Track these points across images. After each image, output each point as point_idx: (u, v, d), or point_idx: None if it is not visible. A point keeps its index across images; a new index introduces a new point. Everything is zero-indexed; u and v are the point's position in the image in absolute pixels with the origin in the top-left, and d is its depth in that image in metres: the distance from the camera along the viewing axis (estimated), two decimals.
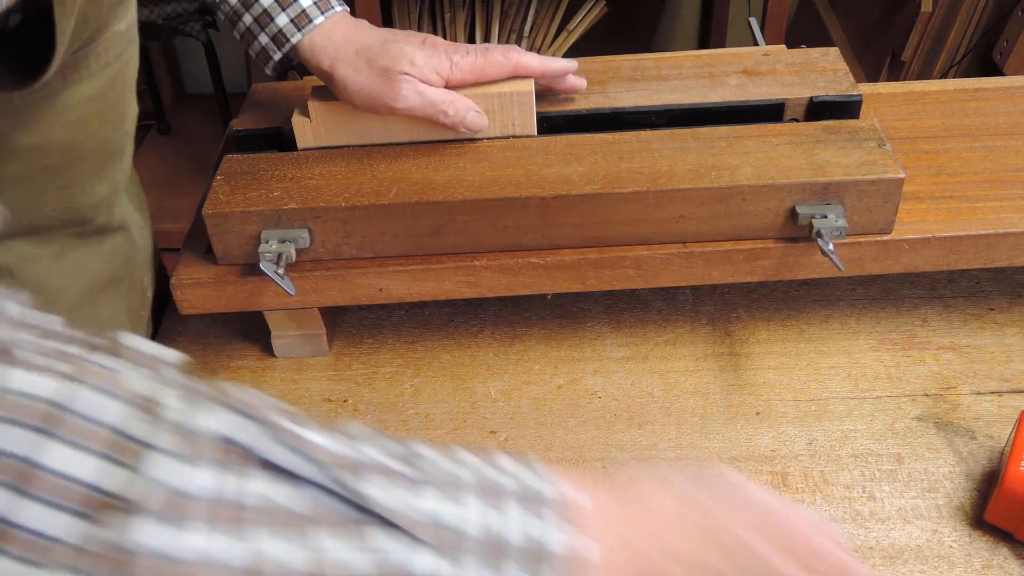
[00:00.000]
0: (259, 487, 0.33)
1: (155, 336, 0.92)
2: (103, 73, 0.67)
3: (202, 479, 0.32)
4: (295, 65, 0.83)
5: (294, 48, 0.79)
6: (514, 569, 0.37)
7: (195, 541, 0.32)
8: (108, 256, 0.77)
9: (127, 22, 0.69)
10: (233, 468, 0.33)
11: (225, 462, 0.33)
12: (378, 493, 0.35)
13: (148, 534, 0.31)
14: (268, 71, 0.81)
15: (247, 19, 0.80)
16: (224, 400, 0.34)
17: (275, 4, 0.78)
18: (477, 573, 0.36)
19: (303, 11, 0.77)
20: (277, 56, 0.79)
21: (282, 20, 0.78)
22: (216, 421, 0.33)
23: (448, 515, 0.36)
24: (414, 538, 0.35)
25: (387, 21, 1.99)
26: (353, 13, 0.81)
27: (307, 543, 0.33)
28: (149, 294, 0.83)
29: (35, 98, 0.61)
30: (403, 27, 1.98)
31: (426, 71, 0.76)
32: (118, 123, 0.71)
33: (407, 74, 0.75)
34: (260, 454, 0.33)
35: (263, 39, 0.78)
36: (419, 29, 1.99)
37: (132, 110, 0.74)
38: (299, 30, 0.78)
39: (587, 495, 0.41)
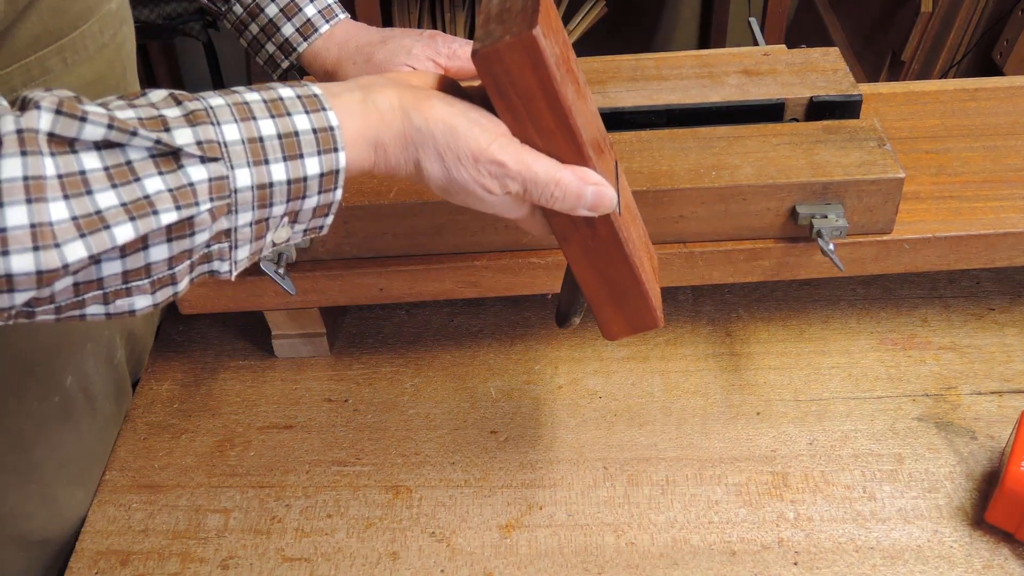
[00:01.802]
0: (92, 160, 0.44)
1: (156, 336, 0.92)
2: (101, 54, 0.68)
3: (48, 166, 0.43)
4: (297, 68, 0.83)
5: (300, 56, 0.79)
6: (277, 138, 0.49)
7: (59, 208, 0.43)
8: None
9: (117, 1, 0.69)
10: (63, 152, 0.44)
11: (57, 152, 0.44)
12: (164, 135, 0.46)
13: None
14: (275, 78, 0.81)
15: (254, 28, 0.80)
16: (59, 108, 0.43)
17: (281, 14, 0.78)
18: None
19: (308, 20, 0.77)
20: (285, 64, 0.80)
21: (288, 30, 0.78)
22: (9, 123, 0.43)
23: (213, 136, 0.48)
24: (192, 156, 0.47)
25: (387, 21, 1.99)
26: (352, 13, 0.82)
27: (137, 187, 0.45)
28: None
29: (36, 84, 0.62)
30: (403, 27, 1.98)
31: (423, 60, 0.76)
32: None
33: (406, 64, 0.75)
34: (86, 138, 0.44)
35: (270, 48, 0.79)
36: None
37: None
38: (305, 39, 0.78)
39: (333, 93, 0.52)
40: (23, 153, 0.42)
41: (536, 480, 0.77)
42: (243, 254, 0.51)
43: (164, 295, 0.50)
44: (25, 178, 0.42)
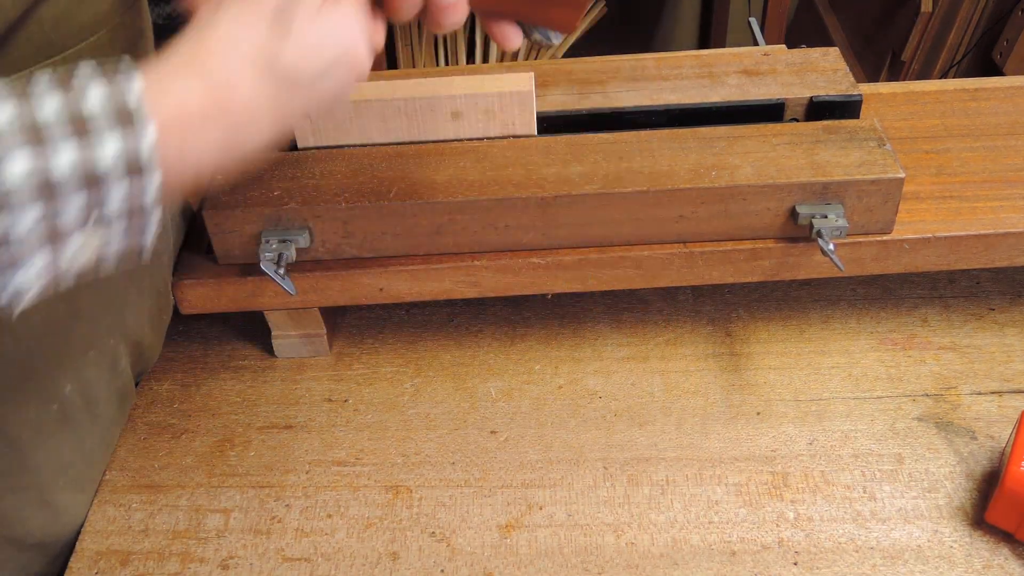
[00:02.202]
0: None
1: None
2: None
3: None
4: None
5: None
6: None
7: None
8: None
9: (133, 12, 0.66)
10: None
11: None
12: None
13: None
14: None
15: None
16: None
17: None
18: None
19: None
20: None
21: None
22: None
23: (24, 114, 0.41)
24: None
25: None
26: None
27: None
28: (170, 299, 0.82)
29: None
30: (403, 34, 1.98)
31: None
32: None
33: None
34: None
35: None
36: (418, 32, 1.99)
37: None
38: None
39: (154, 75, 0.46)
40: None
41: (536, 480, 0.77)
42: (29, 273, 0.44)
43: None
44: None
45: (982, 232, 0.78)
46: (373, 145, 0.83)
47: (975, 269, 0.91)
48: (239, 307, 0.82)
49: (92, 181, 0.43)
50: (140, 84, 0.45)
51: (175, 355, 0.89)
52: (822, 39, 2.24)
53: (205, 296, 0.81)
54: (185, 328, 0.92)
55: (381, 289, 0.80)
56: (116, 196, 0.44)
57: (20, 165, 0.41)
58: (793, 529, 0.72)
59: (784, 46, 0.92)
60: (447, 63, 2.04)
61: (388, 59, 1.93)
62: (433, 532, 0.73)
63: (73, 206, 0.43)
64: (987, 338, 0.86)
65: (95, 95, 0.43)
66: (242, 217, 0.77)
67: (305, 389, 0.85)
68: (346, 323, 0.92)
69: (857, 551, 0.70)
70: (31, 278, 0.44)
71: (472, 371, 0.86)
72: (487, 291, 0.80)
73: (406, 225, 0.77)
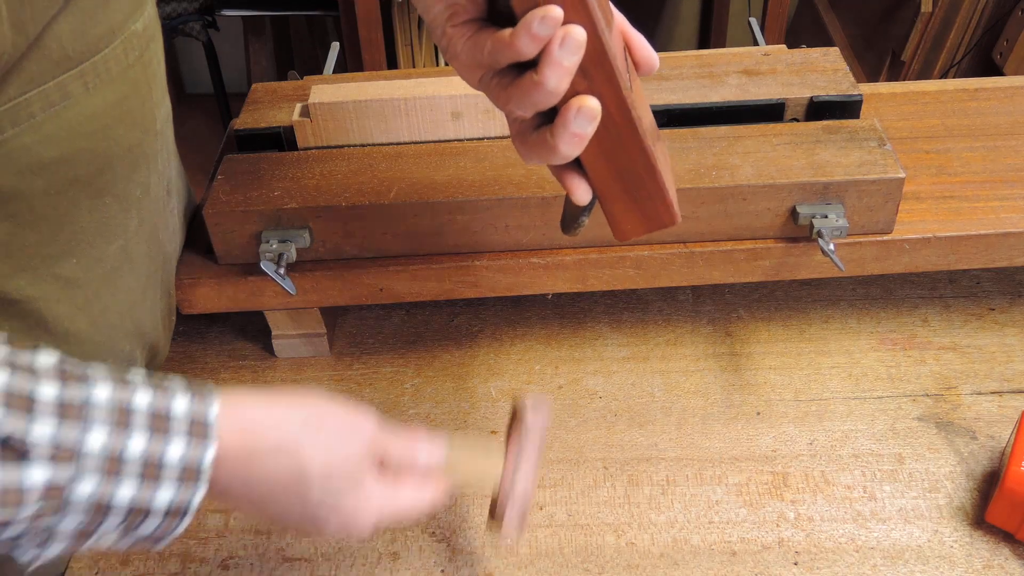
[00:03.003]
0: None
1: None
2: (125, 76, 0.65)
3: None
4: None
5: None
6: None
7: None
8: (140, 265, 0.76)
9: (144, 20, 0.66)
10: None
11: None
12: (20, 426, 0.43)
13: None
14: None
15: None
16: None
17: None
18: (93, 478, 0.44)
19: None
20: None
21: None
22: None
23: (73, 439, 0.44)
24: (35, 457, 0.43)
25: (387, 21, 1.98)
26: (353, 19, 0.80)
27: None
28: (174, 303, 0.82)
29: (57, 109, 0.60)
30: (403, 34, 1.97)
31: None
32: (147, 126, 0.68)
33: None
34: None
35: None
36: (418, 35, 1.99)
37: (163, 109, 0.71)
38: None
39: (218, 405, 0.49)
40: None
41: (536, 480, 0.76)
42: (54, 551, 0.47)
43: None
44: None
45: (982, 232, 0.78)
46: (373, 145, 0.83)
47: (975, 269, 0.91)
48: (239, 307, 0.82)
49: (151, 473, 0.46)
50: (218, 406, 0.49)
51: (175, 355, 0.89)
52: (822, 39, 2.24)
53: (205, 296, 0.81)
54: (185, 328, 0.92)
55: (381, 289, 0.80)
56: (165, 495, 0.47)
57: (98, 439, 0.45)
58: (793, 529, 0.72)
59: (784, 46, 0.92)
60: (447, 63, 2.04)
61: (388, 59, 1.93)
62: (433, 532, 0.73)
63: (127, 491, 0.46)
64: (987, 338, 0.86)
65: (181, 401, 0.48)
66: (242, 217, 0.77)
67: (305, 389, 0.85)
68: (346, 323, 0.92)
69: (857, 551, 0.70)
70: (54, 553, 0.47)
71: (472, 371, 0.86)
72: (487, 291, 0.80)
73: (406, 225, 0.77)
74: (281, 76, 0.82)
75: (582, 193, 0.56)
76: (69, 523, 0.46)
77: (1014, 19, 1.85)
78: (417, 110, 0.81)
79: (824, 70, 0.88)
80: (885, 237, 0.78)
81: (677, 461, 0.77)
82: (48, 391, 0.44)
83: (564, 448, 0.79)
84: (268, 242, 0.76)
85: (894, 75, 2.07)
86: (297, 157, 0.82)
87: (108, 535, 0.48)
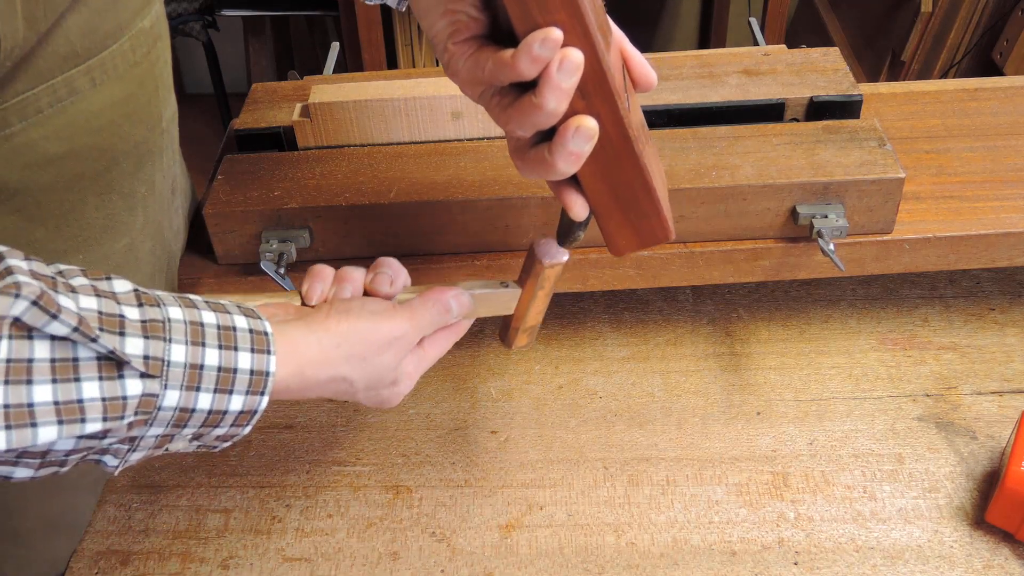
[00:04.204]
0: (43, 349, 0.44)
1: None
2: (132, 73, 0.65)
3: (1, 349, 0.43)
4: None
5: None
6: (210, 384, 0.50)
7: None
8: (146, 263, 0.76)
9: (151, 18, 0.66)
10: (20, 337, 0.44)
11: (15, 336, 0.43)
12: (117, 341, 0.47)
13: None
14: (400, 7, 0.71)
15: None
16: (18, 292, 0.43)
17: None
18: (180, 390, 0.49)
19: None
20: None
21: None
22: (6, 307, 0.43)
23: (160, 352, 0.48)
24: (135, 369, 0.47)
25: (387, 21, 1.98)
26: (353, 19, 0.80)
27: (75, 388, 0.45)
28: None
29: (64, 104, 0.60)
30: (403, 34, 1.98)
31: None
32: (152, 123, 0.69)
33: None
34: (48, 331, 0.44)
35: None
36: (418, 35, 1.99)
37: (169, 108, 0.72)
38: None
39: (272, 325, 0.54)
40: None
41: (536, 480, 0.77)
42: (137, 457, 0.51)
43: (47, 471, 0.49)
44: None
45: (982, 232, 0.78)
46: (373, 145, 0.83)
47: (975, 269, 0.91)
48: None
49: (226, 382, 0.51)
50: (271, 326, 0.54)
51: None
52: (822, 39, 2.24)
53: (205, 296, 0.81)
54: None
55: None
56: (237, 401, 0.52)
57: (180, 351, 0.49)
58: (793, 529, 0.72)
59: (784, 46, 0.92)
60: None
61: (388, 59, 1.93)
62: (433, 532, 0.73)
63: (205, 401, 0.50)
64: (987, 338, 0.86)
65: (241, 319, 0.52)
66: (242, 217, 0.77)
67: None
68: None
69: (857, 551, 0.70)
70: (136, 459, 0.52)
71: (472, 371, 0.86)
72: None
73: (406, 225, 0.77)
74: (281, 76, 0.82)
75: (579, 209, 0.57)
76: (155, 430, 0.50)
77: (1014, 19, 1.85)
78: (417, 110, 0.81)
79: (824, 70, 0.88)
80: (885, 237, 0.78)
81: (677, 461, 0.77)
82: (132, 312, 0.48)
83: (564, 448, 0.79)
84: (268, 242, 0.76)
85: (894, 75, 2.07)
86: (297, 157, 0.82)
87: (181, 441, 0.52)
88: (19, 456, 0.46)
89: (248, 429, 0.54)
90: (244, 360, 0.52)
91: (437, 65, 2.04)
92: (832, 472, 0.76)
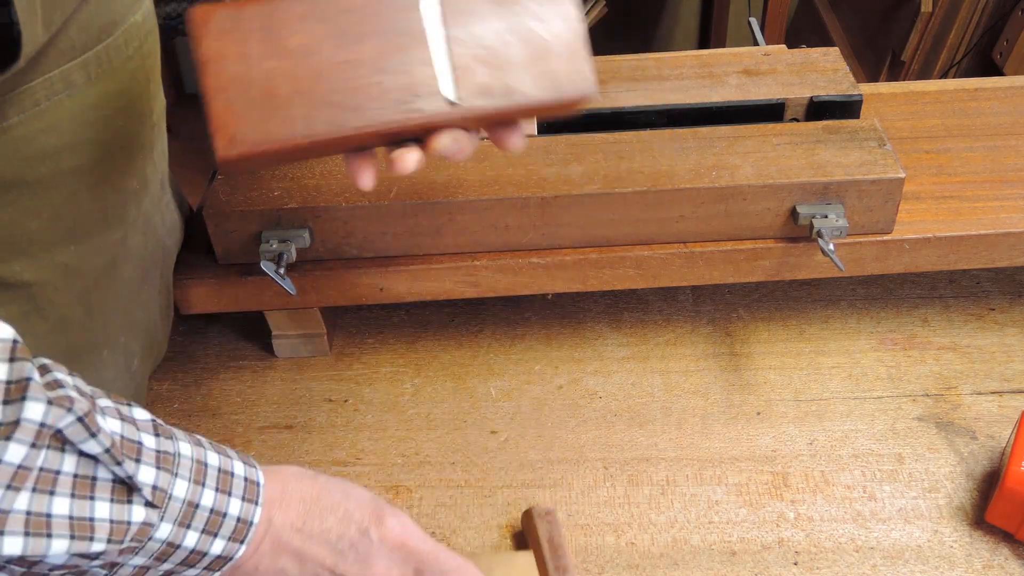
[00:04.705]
0: (71, 464, 0.46)
1: None
2: (125, 67, 0.66)
3: (39, 458, 0.45)
4: None
5: None
6: (202, 520, 0.52)
7: (22, 499, 0.44)
8: (138, 257, 0.76)
9: (143, 12, 0.67)
10: (55, 448, 0.46)
11: (52, 447, 0.45)
12: (134, 467, 0.49)
13: None
14: None
15: None
16: (48, 396, 0.45)
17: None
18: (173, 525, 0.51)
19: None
20: None
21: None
22: (39, 413, 0.44)
23: (166, 485, 0.51)
24: (143, 497, 0.49)
25: None
26: None
27: (88, 506, 0.47)
28: (172, 299, 0.83)
29: (60, 98, 0.61)
30: None
31: None
32: (144, 117, 0.69)
33: None
34: (81, 448, 0.46)
35: None
36: None
37: (159, 103, 0.72)
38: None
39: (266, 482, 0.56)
40: (32, 445, 0.44)
41: (536, 480, 0.77)
42: None
43: None
44: (19, 466, 0.44)
45: (982, 232, 0.78)
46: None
47: (975, 269, 0.91)
48: (239, 307, 0.82)
49: (214, 524, 0.53)
50: (259, 515, 0.55)
51: (175, 355, 0.89)
52: (822, 39, 2.24)
53: (205, 296, 0.81)
54: (185, 328, 0.92)
55: (381, 289, 0.80)
56: (218, 546, 0.53)
57: (181, 489, 0.51)
58: (793, 529, 0.72)
59: (784, 46, 0.92)
60: None
61: None
62: (433, 532, 0.73)
63: (191, 539, 0.52)
64: (987, 338, 0.86)
65: (239, 465, 0.55)
66: (242, 217, 0.77)
67: (305, 389, 0.85)
68: (346, 323, 0.92)
69: (857, 551, 0.70)
70: None
71: (472, 371, 0.86)
72: (487, 291, 0.80)
73: (406, 225, 0.77)
74: None
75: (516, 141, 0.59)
76: (138, 560, 0.51)
77: (1014, 19, 1.85)
78: None
79: (824, 70, 0.88)
80: (885, 237, 0.78)
81: (677, 461, 0.77)
82: (150, 440, 0.51)
83: (564, 448, 0.79)
84: (268, 242, 0.76)
85: (894, 75, 2.07)
86: None
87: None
88: (8, 562, 0.47)
89: None
90: (234, 506, 0.54)
91: None
92: (832, 472, 0.76)
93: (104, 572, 0.51)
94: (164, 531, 0.50)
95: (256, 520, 0.54)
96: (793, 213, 0.76)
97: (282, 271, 0.75)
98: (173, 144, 0.79)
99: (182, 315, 0.83)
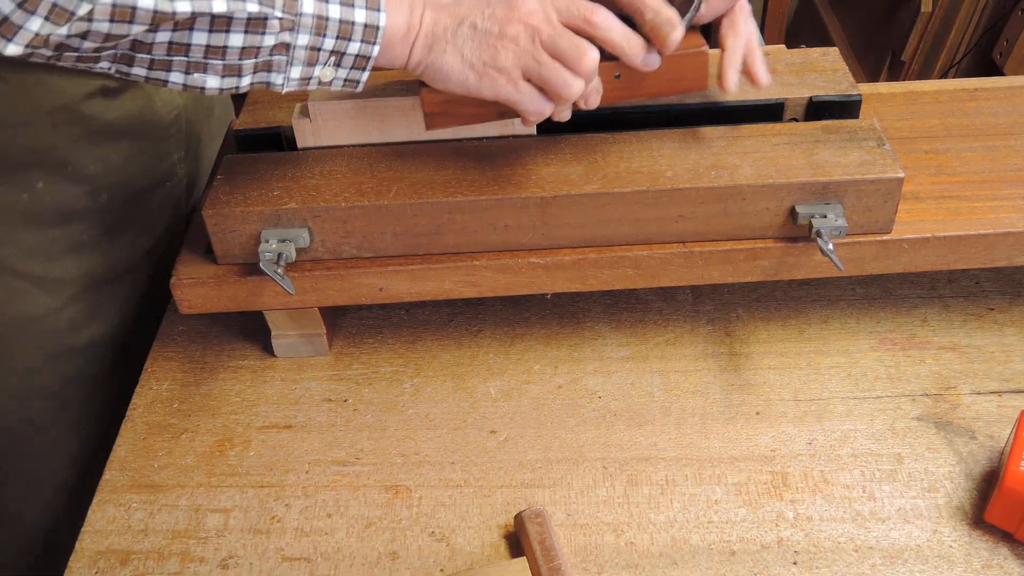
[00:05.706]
0: None
1: (156, 336, 0.92)
2: None
3: None
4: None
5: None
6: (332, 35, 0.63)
7: None
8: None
9: None
10: None
11: None
12: None
13: None
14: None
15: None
16: None
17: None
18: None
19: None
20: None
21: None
22: None
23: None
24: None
25: None
26: None
27: None
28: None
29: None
30: None
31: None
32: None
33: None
34: None
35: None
36: None
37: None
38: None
39: None
40: None
41: (536, 480, 0.77)
42: (295, 73, 0.64)
43: (229, 83, 0.63)
44: None
45: (982, 232, 0.78)
46: (373, 145, 0.83)
47: (975, 269, 0.91)
48: (239, 307, 0.82)
49: (345, 32, 0.63)
50: None
51: (175, 355, 0.89)
52: (822, 39, 2.24)
53: (205, 296, 0.81)
54: (185, 328, 0.92)
55: (381, 289, 0.80)
56: (353, 47, 0.64)
57: (309, 5, 0.62)
58: (793, 529, 0.72)
59: (784, 46, 0.92)
60: None
61: None
62: (433, 532, 0.73)
63: (329, 42, 0.63)
64: (987, 338, 0.86)
65: None
66: (242, 217, 0.77)
67: (305, 389, 0.85)
68: (346, 323, 0.92)
69: (856, 551, 0.70)
70: (296, 77, 0.65)
71: (472, 371, 0.86)
72: (487, 291, 0.80)
73: (406, 225, 0.77)
74: None
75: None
76: (303, 39, 0.62)
77: (1014, 19, 1.85)
78: (417, 110, 0.81)
79: (823, 70, 0.88)
80: (884, 237, 0.78)
81: (676, 461, 0.77)
82: None
83: (563, 448, 0.79)
84: (268, 242, 0.76)
85: (894, 75, 2.07)
86: (297, 157, 0.82)
87: (327, 63, 0.64)
88: (207, 56, 0.60)
89: (377, 49, 0.65)
90: None
91: None
92: (831, 472, 0.76)
93: (284, 58, 0.62)
94: (308, 5, 0.61)
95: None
96: (792, 213, 0.76)
97: (282, 271, 0.75)
98: None
99: (182, 315, 0.83)
